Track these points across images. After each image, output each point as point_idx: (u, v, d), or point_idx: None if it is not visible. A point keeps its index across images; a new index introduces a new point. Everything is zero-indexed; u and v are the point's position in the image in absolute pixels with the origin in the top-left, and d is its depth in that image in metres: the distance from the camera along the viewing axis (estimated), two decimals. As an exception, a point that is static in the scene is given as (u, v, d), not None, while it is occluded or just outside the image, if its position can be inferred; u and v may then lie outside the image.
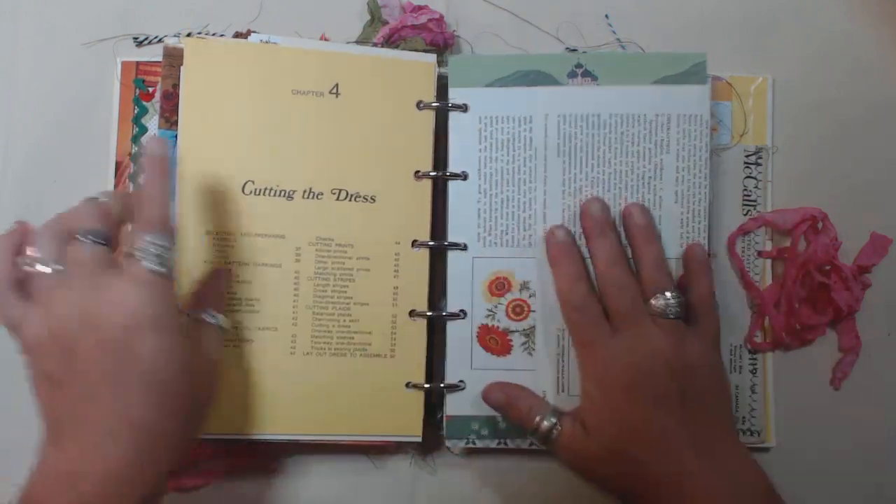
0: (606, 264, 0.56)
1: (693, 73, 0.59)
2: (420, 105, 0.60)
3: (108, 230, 0.49)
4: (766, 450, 0.63)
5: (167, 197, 0.51)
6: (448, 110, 0.60)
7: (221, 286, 0.57)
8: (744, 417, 0.62)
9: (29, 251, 0.48)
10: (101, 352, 0.46)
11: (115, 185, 0.62)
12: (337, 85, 0.59)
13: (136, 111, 0.63)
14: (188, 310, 0.54)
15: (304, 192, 0.59)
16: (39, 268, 0.47)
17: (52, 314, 0.46)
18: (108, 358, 0.46)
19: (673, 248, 0.59)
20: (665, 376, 0.52)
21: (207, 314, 0.54)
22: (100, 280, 0.47)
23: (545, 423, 0.56)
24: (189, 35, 0.62)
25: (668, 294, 0.55)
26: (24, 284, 0.48)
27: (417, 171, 0.60)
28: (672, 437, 0.52)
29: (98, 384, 0.46)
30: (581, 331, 0.56)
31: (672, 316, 0.54)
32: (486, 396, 0.58)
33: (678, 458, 0.51)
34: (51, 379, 0.47)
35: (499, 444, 0.60)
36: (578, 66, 0.60)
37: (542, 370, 0.59)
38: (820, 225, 0.63)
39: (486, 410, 0.59)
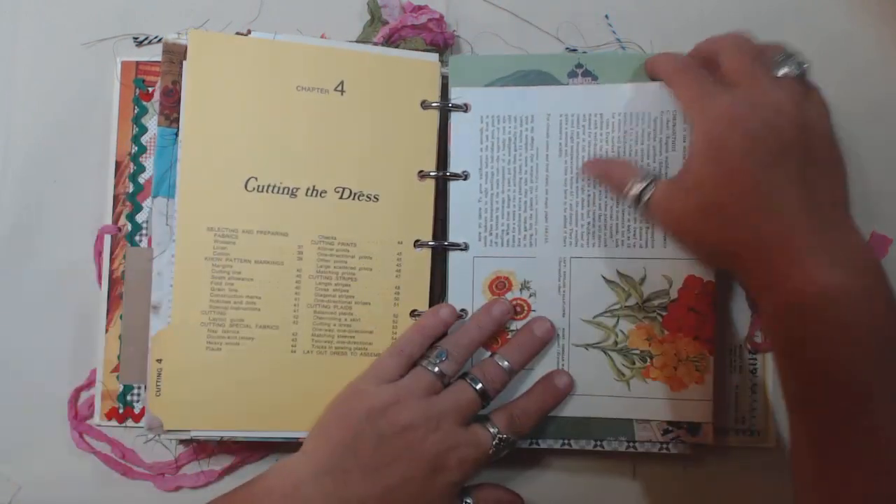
0: (725, 39, 0.54)
1: None
2: (424, 104, 0.60)
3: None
4: (766, 450, 0.62)
5: (543, 412, 0.58)
6: (449, 110, 0.60)
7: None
8: (744, 417, 0.62)
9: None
10: (420, 451, 0.53)
11: (115, 185, 0.62)
12: (342, 82, 0.59)
13: (136, 111, 0.63)
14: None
15: (308, 189, 0.59)
16: (429, 367, 0.56)
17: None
18: (421, 460, 0.52)
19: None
20: (789, 133, 0.48)
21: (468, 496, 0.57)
22: (455, 422, 0.54)
23: (636, 187, 0.54)
24: (189, 35, 0.63)
25: (788, 51, 0.51)
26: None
27: (421, 171, 0.60)
28: (785, 198, 0.47)
29: (398, 470, 0.52)
30: (690, 86, 0.52)
31: (797, 73, 0.51)
32: (584, 169, 0.58)
33: (789, 221, 0.47)
34: (366, 436, 0.53)
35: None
36: (579, 66, 0.60)
37: (541, 369, 0.59)
38: (820, 225, 0.62)
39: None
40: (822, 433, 0.46)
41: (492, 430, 0.55)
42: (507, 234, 0.59)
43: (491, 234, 0.59)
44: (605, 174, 0.57)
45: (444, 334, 0.58)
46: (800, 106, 0.49)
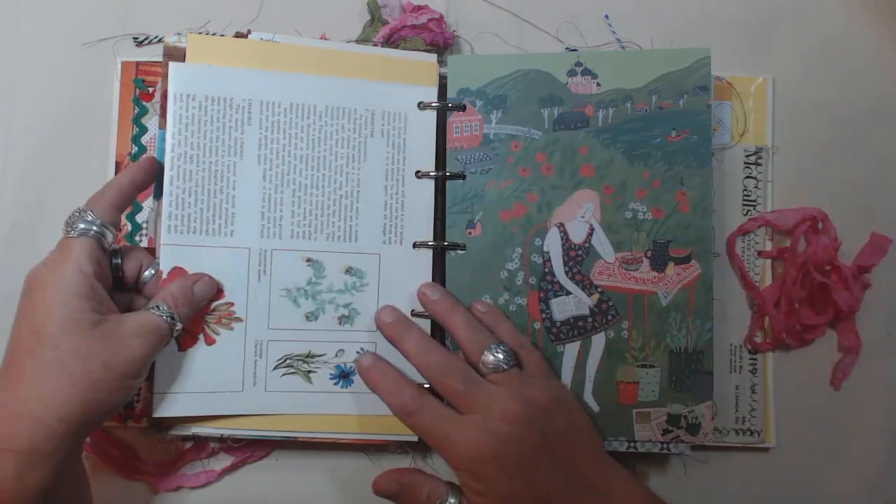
0: (420, 354, 0.56)
1: (696, 68, 0.59)
2: (421, 105, 0.60)
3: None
4: (765, 450, 0.63)
5: (121, 184, 0.54)
6: (447, 110, 0.60)
7: (188, 287, 0.55)
8: (744, 417, 0.62)
9: None
10: (20, 301, 0.51)
11: (115, 185, 0.62)
12: None
13: (136, 111, 0.63)
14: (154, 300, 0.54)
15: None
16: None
17: None
18: (20, 306, 0.50)
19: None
20: (523, 433, 0.52)
21: (152, 303, 0.53)
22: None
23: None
24: (189, 35, 0.63)
25: (493, 347, 0.55)
26: None
27: (418, 171, 0.60)
28: (555, 489, 0.52)
29: (14, 329, 0.50)
30: (429, 431, 0.54)
31: (507, 366, 0.55)
32: (376, 487, 0.56)
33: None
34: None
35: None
36: (578, 64, 0.60)
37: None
38: (820, 225, 0.63)
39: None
40: None
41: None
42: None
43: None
44: (406, 493, 0.55)
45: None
46: (522, 397, 0.53)
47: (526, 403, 0.53)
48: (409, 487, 0.55)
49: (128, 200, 0.55)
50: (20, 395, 0.47)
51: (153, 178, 0.56)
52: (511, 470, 0.51)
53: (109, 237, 0.53)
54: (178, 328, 0.53)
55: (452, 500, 0.54)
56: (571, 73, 0.59)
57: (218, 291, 0.57)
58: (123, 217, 0.62)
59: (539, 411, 0.53)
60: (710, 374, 0.58)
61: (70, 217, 0.52)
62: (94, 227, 0.52)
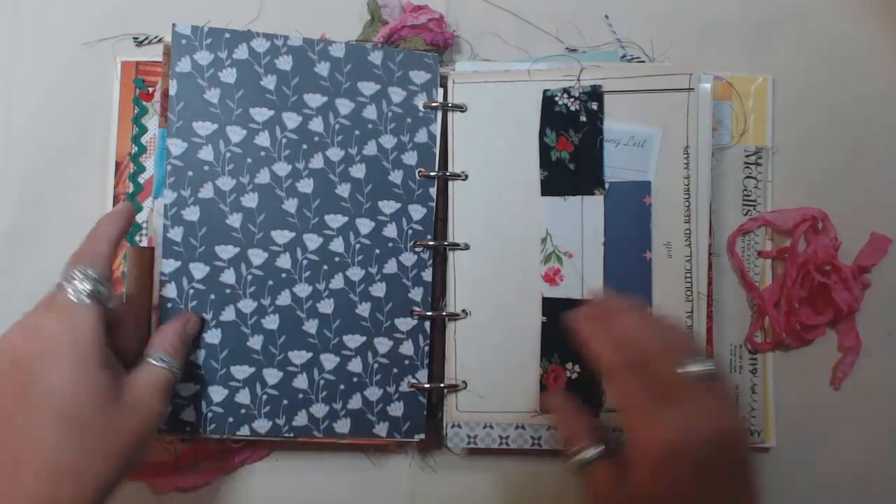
0: (635, 331, 0.50)
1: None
2: (424, 106, 0.60)
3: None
4: (766, 450, 0.63)
5: (111, 236, 0.51)
6: (449, 110, 0.60)
7: (181, 331, 0.55)
8: (744, 417, 0.62)
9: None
10: (13, 376, 0.45)
11: (115, 185, 0.62)
12: None
13: (136, 111, 0.63)
14: (146, 349, 0.52)
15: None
16: None
17: None
18: (18, 383, 0.44)
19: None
20: (722, 456, 0.46)
21: (155, 356, 0.51)
22: (35, 311, 0.47)
23: (584, 454, 0.51)
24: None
25: (696, 356, 0.48)
26: None
27: (420, 171, 0.60)
28: None
29: (9, 409, 0.44)
30: (634, 393, 0.48)
31: (711, 378, 0.48)
32: (543, 404, 0.57)
33: None
34: None
35: (500, 444, 0.60)
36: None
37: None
38: (820, 225, 0.63)
39: (487, 409, 0.59)
40: None
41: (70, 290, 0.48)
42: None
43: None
44: (559, 423, 0.55)
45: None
46: (735, 418, 0.49)
47: (738, 428, 0.48)
48: (564, 421, 0.55)
49: (116, 250, 0.52)
50: (55, 479, 0.43)
51: (132, 223, 0.54)
52: (697, 479, 0.46)
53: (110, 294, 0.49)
54: (179, 375, 0.53)
55: (589, 454, 0.51)
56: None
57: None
58: (123, 217, 0.62)
59: (743, 441, 0.50)
60: None
61: (68, 275, 0.48)
62: (102, 289, 0.48)
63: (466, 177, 0.60)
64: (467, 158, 0.60)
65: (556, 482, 0.62)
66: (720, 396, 0.48)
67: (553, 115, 0.60)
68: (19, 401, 0.44)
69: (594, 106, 0.60)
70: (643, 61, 0.64)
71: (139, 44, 0.64)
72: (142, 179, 0.63)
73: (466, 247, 0.60)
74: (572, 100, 0.60)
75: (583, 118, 0.60)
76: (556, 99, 0.60)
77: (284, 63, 0.59)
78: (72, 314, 0.46)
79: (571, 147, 0.60)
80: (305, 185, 0.59)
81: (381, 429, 0.59)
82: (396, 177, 0.59)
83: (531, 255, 0.60)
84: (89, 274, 0.47)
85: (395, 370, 0.59)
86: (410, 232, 0.60)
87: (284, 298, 0.58)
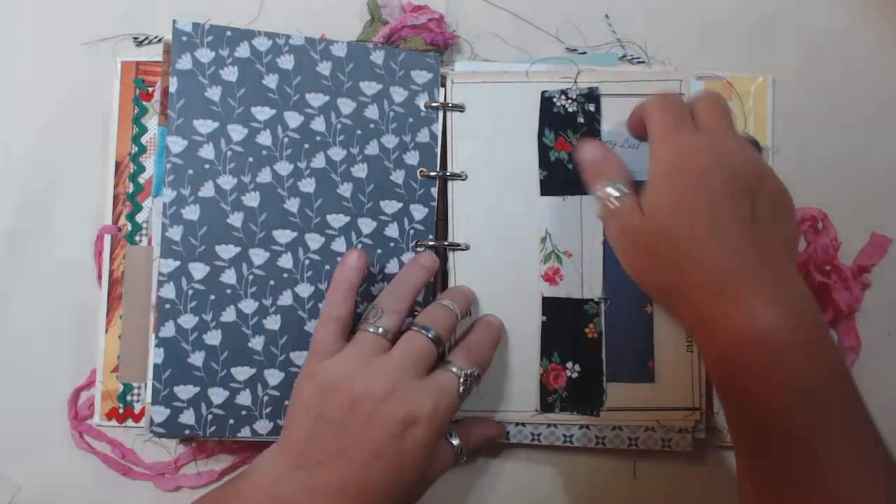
0: (703, 93, 0.54)
1: None
2: (425, 105, 0.60)
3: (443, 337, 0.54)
4: (766, 449, 0.63)
5: (496, 344, 0.58)
6: (449, 110, 0.60)
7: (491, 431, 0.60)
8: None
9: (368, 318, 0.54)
10: (381, 419, 0.49)
11: (115, 185, 0.62)
12: None
13: (136, 111, 0.63)
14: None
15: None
16: (368, 329, 0.53)
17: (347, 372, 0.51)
18: (385, 427, 0.49)
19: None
20: (746, 177, 0.49)
21: (454, 436, 0.56)
22: (412, 376, 0.51)
23: (606, 190, 0.52)
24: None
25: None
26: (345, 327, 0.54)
27: (421, 171, 0.60)
28: (733, 235, 0.47)
29: (365, 444, 0.49)
30: (668, 117, 0.51)
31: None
32: (577, 152, 0.55)
33: (736, 257, 0.46)
34: (326, 417, 0.50)
35: (501, 443, 0.60)
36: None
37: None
38: (820, 225, 0.63)
39: (487, 408, 0.59)
40: (766, 479, 0.46)
41: (454, 370, 0.53)
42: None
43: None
44: (595, 156, 0.55)
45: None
46: (758, 158, 0.51)
47: (759, 162, 0.51)
48: (594, 163, 0.54)
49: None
50: None
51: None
52: (711, 186, 0.48)
53: None
54: None
55: (616, 191, 0.52)
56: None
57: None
58: (123, 217, 0.62)
59: (766, 178, 0.50)
60: None
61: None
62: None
63: (466, 177, 0.60)
64: (466, 158, 0.60)
65: (557, 481, 0.62)
66: (750, 145, 0.51)
67: (551, 116, 0.60)
68: (377, 440, 0.49)
69: (591, 108, 0.60)
70: (643, 61, 0.64)
71: (139, 44, 0.64)
72: (142, 179, 0.62)
73: (466, 247, 0.60)
74: (570, 101, 0.60)
75: (580, 119, 0.60)
76: (555, 100, 0.60)
77: (286, 62, 0.59)
78: (450, 398, 0.52)
79: (570, 147, 0.60)
80: (307, 185, 0.59)
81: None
82: (398, 176, 0.59)
83: (531, 254, 0.60)
84: (474, 374, 0.54)
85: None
86: (412, 232, 0.60)
87: (286, 299, 0.58)
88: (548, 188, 0.60)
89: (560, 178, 0.60)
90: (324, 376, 0.51)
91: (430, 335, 0.53)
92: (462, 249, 0.60)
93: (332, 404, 0.50)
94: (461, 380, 0.52)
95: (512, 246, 0.60)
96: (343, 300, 0.53)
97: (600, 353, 0.60)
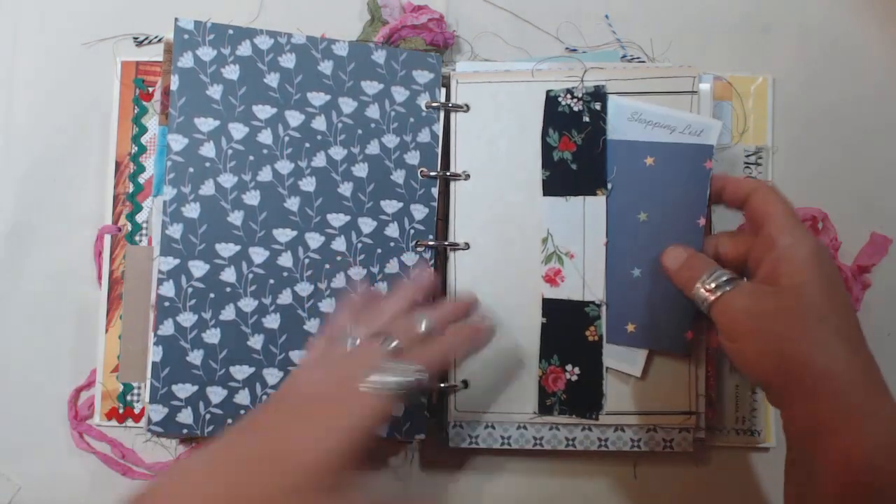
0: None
1: None
2: (426, 105, 0.60)
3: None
4: (765, 450, 0.62)
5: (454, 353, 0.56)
6: (451, 110, 0.60)
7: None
8: (744, 417, 0.62)
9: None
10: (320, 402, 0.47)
11: (115, 185, 0.62)
12: None
13: (136, 111, 0.63)
14: None
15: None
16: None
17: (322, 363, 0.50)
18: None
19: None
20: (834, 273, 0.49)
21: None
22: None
23: (708, 286, 0.51)
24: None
25: None
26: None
27: (422, 170, 0.60)
28: (847, 345, 0.46)
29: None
30: (787, 203, 0.52)
31: None
32: (664, 259, 0.55)
33: (848, 368, 0.46)
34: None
35: (501, 444, 0.60)
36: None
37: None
38: (820, 225, 0.63)
39: (487, 409, 0.59)
40: None
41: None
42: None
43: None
44: (678, 271, 0.54)
45: None
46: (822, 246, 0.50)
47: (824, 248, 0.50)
48: (680, 269, 0.54)
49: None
50: None
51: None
52: (842, 286, 0.49)
53: None
54: None
55: (711, 285, 0.51)
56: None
57: None
58: (123, 217, 0.62)
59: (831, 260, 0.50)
60: None
61: None
62: None
63: (468, 177, 0.60)
64: (469, 158, 0.60)
65: (557, 482, 0.62)
66: None
67: (556, 115, 0.60)
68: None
69: (597, 106, 0.59)
70: (643, 61, 0.64)
71: (139, 44, 0.64)
72: (142, 179, 0.62)
73: (467, 246, 0.60)
74: (575, 100, 0.60)
75: (585, 119, 0.60)
76: (560, 99, 0.60)
77: (288, 61, 0.59)
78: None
79: (574, 147, 0.60)
80: (308, 184, 0.59)
81: (382, 429, 0.59)
82: (399, 176, 0.59)
83: (532, 255, 0.60)
84: (412, 377, 0.48)
85: (397, 369, 0.59)
86: (412, 231, 0.60)
87: (286, 297, 0.58)
88: (550, 188, 0.60)
89: (563, 178, 0.60)
90: (296, 376, 0.51)
91: (391, 346, 0.50)
92: (462, 249, 0.60)
93: (286, 392, 0.49)
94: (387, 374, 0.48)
95: (513, 246, 0.60)
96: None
97: (600, 357, 0.59)
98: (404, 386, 0.47)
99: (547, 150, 0.60)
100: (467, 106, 0.60)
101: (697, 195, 0.57)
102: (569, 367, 0.59)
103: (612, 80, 0.60)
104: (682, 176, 0.58)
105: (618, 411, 0.59)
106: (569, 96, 0.60)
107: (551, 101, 0.60)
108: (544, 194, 0.60)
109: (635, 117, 0.59)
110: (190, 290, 0.57)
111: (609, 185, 0.59)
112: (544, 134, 0.60)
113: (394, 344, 0.49)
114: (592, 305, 0.59)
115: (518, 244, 0.60)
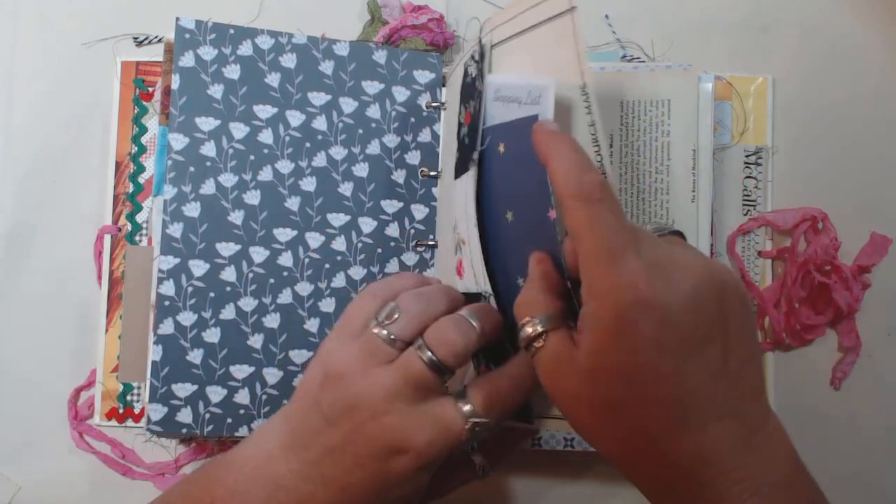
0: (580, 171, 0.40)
1: None
2: (427, 105, 0.60)
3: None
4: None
5: (528, 389, 0.47)
6: (443, 110, 0.60)
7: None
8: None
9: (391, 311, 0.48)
10: (369, 436, 0.45)
11: (115, 185, 0.62)
12: None
13: (136, 111, 0.63)
14: None
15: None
16: (378, 330, 0.47)
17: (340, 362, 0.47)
18: (371, 445, 0.45)
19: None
20: (710, 310, 0.38)
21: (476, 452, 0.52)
22: (407, 401, 0.46)
23: (530, 328, 0.41)
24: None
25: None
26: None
27: (422, 170, 0.60)
28: (706, 403, 0.37)
29: (350, 452, 0.46)
30: (601, 225, 0.38)
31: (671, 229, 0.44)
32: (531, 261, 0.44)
33: (713, 435, 0.37)
34: (321, 407, 0.47)
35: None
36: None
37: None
38: (820, 225, 0.63)
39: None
40: None
41: (465, 409, 0.45)
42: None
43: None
44: (528, 286, 0.44)
45: None
46: (718, 269, 0.40)
47: (712, 262, 0.40)
48: (539, 284, 0.43)
49: None
50: None
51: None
52: (669, 344, 0.36)
53: None
54: None
55: (539, 328, 0.41)
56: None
57: None
58: (123, 217, 0.62)
59: (729, 300, 0.38)
60: None
61: None
62: None
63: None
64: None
65: (556, 482, 0.62)
66: (697, 252, 0.41)
67: (465, 87, 0.54)
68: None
69: (484, 67, 0.51)
70: (643, 61, 0.64)
71: (139, 44, 0.64)
72: (142, 179, 0.62)
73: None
74: (473, 64, 0.52)
75: (478, 84, 0.51)
76: (468, 69, 0.53)
77: (288, 61, 0.59)
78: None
79: (469, 119, 0.52)
80: (308, 184, 0.59)
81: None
82: (399, 176, 0.60)
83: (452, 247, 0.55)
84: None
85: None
86: (413, 231, 0.60)
87: (286, 297, 0.58)
88: (458, 170, 0.53)
89: (462, 156, 0.52)
90: (332, 362, 0.47)
91: (427, 360, 0.45)
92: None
93: (328, 398, 0.47)
94: (467, 425, 0.45)
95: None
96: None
97: (509, 354, 0.49)
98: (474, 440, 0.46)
99: (459, 129, 0.54)
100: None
101: (541, 182, 0.43)
102: (492, 366, 0.50)
103: (496, 27, 0.51)
104: (529, 161, 0.43)
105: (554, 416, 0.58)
106: (472, 62, 0.53)
107: (465, 73, 0.54)
108: (455, 178, 0.54)
109: (497, 95, 0.48)
110: (190, 289, 0.57)
111: (475, 168, 0.50)
112: (459, 113, 0.55)
113: (428, 356, 0.45)
114: (482, 298, 0.51)
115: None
